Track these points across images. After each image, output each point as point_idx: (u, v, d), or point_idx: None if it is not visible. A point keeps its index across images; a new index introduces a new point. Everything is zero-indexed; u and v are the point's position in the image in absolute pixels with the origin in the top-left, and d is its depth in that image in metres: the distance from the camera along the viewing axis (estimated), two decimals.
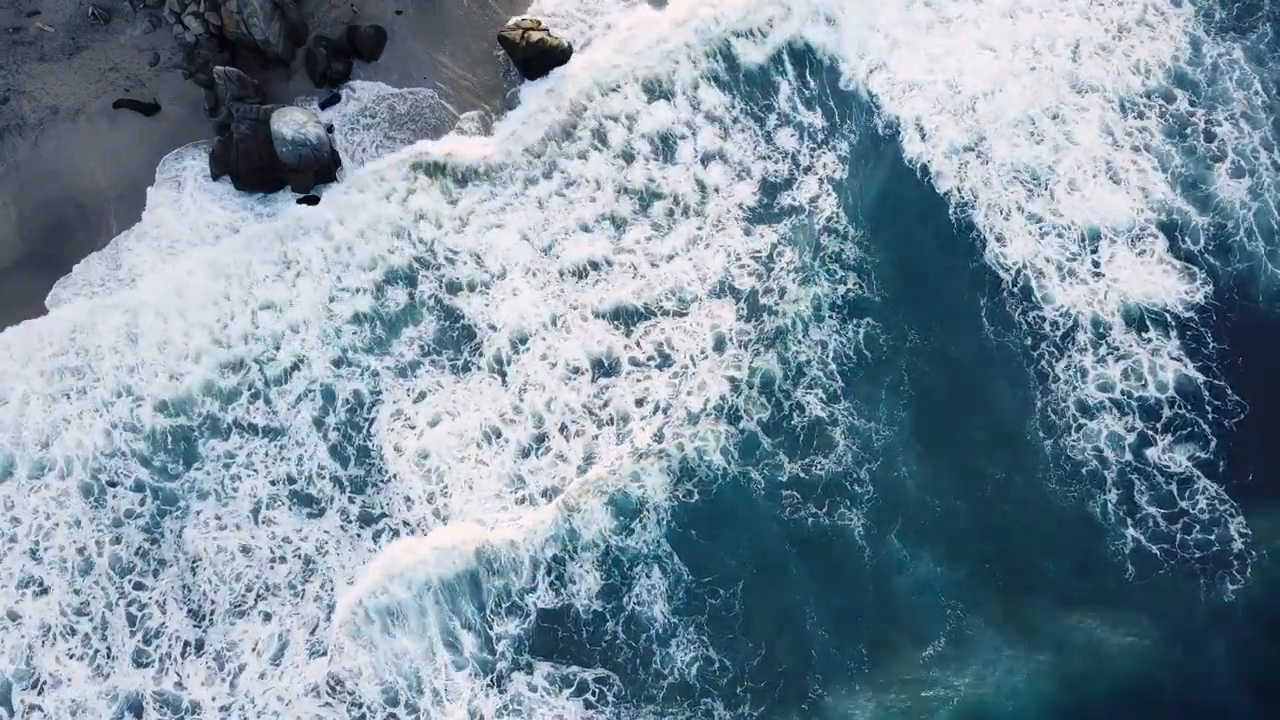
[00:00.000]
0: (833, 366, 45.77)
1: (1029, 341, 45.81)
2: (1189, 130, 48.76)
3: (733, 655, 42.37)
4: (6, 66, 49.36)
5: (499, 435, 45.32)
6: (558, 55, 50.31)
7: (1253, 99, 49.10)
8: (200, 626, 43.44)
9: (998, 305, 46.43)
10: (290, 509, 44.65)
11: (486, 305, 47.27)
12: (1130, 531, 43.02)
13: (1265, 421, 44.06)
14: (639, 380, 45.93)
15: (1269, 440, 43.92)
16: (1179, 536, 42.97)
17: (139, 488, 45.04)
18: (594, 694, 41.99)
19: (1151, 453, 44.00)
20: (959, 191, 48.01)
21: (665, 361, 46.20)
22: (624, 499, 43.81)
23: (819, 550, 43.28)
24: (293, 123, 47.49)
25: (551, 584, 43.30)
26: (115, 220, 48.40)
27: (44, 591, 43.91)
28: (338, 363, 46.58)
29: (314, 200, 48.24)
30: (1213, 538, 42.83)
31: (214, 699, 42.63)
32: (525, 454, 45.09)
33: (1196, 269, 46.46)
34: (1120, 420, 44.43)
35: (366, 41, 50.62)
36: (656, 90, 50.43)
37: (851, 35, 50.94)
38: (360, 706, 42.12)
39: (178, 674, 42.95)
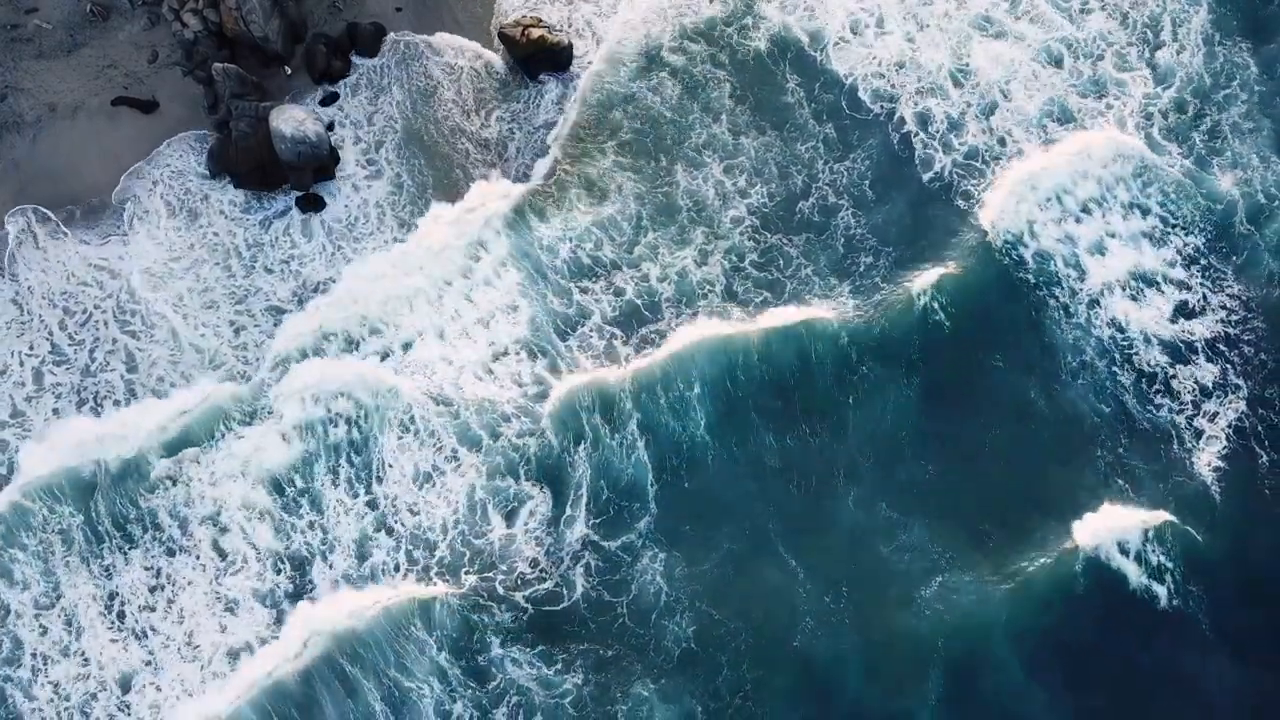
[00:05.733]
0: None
1: (1046, 337, 46.17)
2: (1198, 129, 49.10)
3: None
4: (4, 64, 48.88)
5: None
6: (559, 53, 50.18)
7: (1263, 99, 49.50)
8: None
9: (1024, 310, 46.82)
10: None
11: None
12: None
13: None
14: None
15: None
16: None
17: None
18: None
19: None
20: (968, 190, 48.30)
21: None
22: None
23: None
24: (292, 120, 47.21)
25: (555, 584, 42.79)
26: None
27: None
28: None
29: (319, 204, 48.09)
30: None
31: None
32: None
33: (1206, 270, 46.90)
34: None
35: (366, 38, 50.42)
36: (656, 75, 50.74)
37: (844, 15, 51.31)
38: None
39: None
